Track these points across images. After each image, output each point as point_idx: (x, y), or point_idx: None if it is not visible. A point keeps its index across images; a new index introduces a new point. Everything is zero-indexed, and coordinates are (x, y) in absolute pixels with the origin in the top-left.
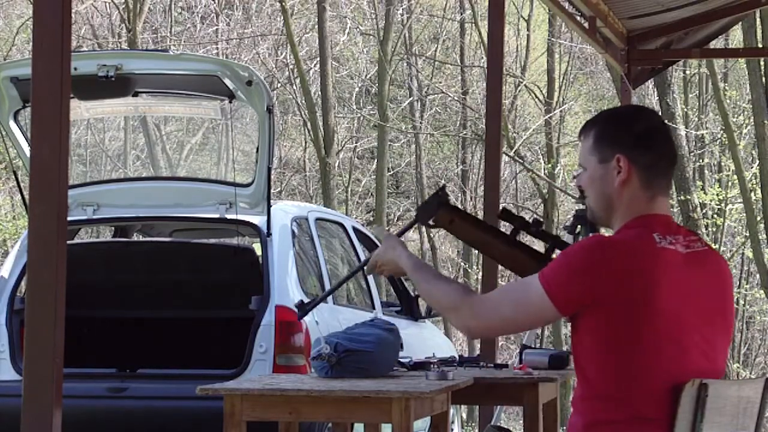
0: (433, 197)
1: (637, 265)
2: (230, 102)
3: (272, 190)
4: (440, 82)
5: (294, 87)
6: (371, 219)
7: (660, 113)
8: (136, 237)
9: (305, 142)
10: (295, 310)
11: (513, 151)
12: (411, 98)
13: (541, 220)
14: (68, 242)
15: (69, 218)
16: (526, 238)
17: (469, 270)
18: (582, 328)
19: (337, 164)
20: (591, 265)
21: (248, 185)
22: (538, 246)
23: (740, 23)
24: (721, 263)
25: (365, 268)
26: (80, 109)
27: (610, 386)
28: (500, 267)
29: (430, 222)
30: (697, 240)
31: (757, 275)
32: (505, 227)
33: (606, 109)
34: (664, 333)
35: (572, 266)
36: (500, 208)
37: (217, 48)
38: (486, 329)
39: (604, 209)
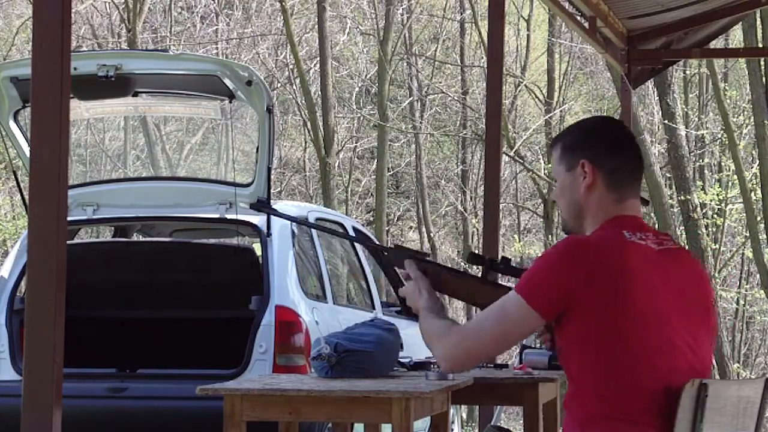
0: (409, 251)
1: (607, 259)
2: (230, 102)
3: (272, 190)
4: (440, 82)
5: (294, 87)
6: (371, 219)
7: (660, 113)
8: (136, 237)
9: (305, 142)
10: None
11: (513, 151)
12: (411, 98)
13: (509, 257)
14: (68, 242)
15: (69, 218)
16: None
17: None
18: (568, 331)
19: (337, 164)
20: (564, 265)
21: (248, 185)
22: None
23: (740, 23)
24: (695, 262)
25: (400, 291)
26: (80, 109)
27: (599, 386)
28: None
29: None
30: (669, 239)
31: (757, 275)
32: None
33: (572, 123)
34: (651, 329)
35: (546, 269)
36: (469, 253)
37: (217, 48)
38: (469, 352)
39: (576, 217)
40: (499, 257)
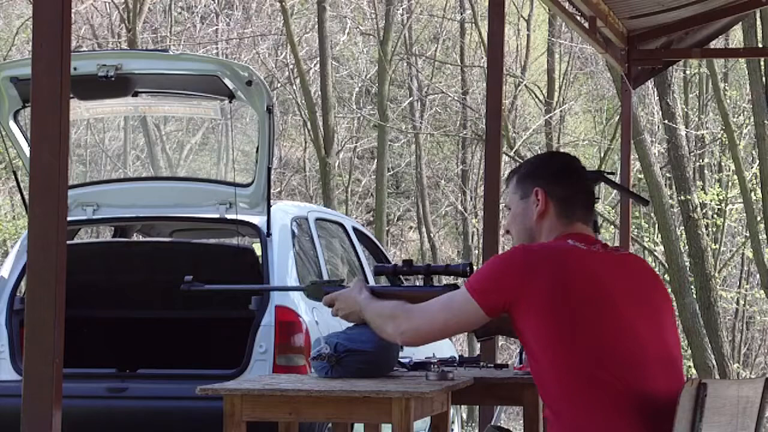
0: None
1: (551, 261)
2: (230, 102)
3: (272, 190)
4: (440, 82)
5: (294, 87)
6: (371, 219)
7: (660, 113)
8: (136, 237)
9: (305, 142)
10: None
11: (513, 151)
12: (411, 98)
13: (411, 259)
14: (68, 242)
15: (69, 218)
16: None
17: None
18: (528, 334)
19: (337, 164)
20: (510, 266)
21: (248, 185)
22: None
23: (740, 23)
24: (646, 263)
25: (324, 299)
26: (80, 109)
27: (575, 384)
28: None
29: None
30: (617, 249)
31: (757, 275)
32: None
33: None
34: (607, 321)
35: (493, 268)
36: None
37: (217, 48)
38: (416, 332)
39: (527, 243)
40: (401, 261)
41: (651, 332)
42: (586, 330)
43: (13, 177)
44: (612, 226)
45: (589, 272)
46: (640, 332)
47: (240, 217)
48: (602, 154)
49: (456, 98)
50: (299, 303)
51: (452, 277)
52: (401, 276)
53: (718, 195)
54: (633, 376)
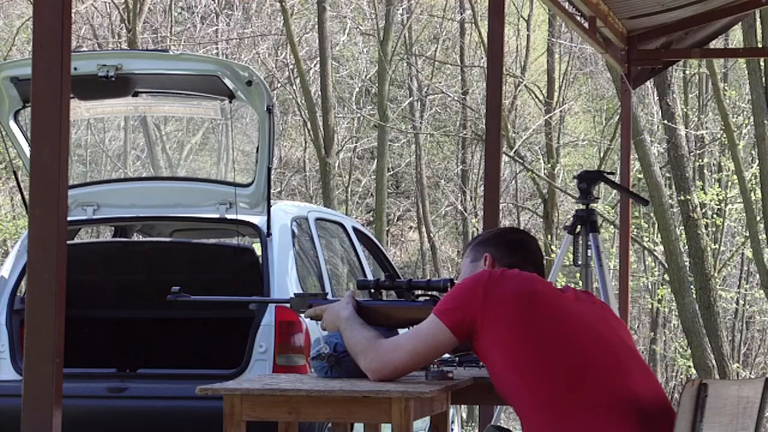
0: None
1: (518, 277)
2: (230, 102)
3: (272, 190)
4: (440, 82)
5: (294, 87)
6: (371, 219)
7: (660, 113)
8: (136, 237)
9: (305, 142)
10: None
11: (513, 151)
12: (411, 98)
13: (393, 274)
14: (68, 242)
15: (69, 218)
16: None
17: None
18: (507, 359)
19: (337, 164)
20: (476, 285)
21: (248, 185)
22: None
23: (740, 23)
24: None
25: (307, 312)
26: (80, 109)
27: (555, 402)
28: None
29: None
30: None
31: (757, 275)
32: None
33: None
34: (582, 338)
35: (458, 289)
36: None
37: (217, 48)
38: (385, 366)
39: None
40: (383, 276)
41: (618, 339)
42: (561, 337)
43: (13, 177)
44: (612, 226)
45: (552, 288)
46: (610, 338)
47: (240, 217)
48: (602, 154)
49: (456, 98)
50: None
51: (435, 292)
52: (383, 290)
53: (717, 195)
54: (617, 377)
